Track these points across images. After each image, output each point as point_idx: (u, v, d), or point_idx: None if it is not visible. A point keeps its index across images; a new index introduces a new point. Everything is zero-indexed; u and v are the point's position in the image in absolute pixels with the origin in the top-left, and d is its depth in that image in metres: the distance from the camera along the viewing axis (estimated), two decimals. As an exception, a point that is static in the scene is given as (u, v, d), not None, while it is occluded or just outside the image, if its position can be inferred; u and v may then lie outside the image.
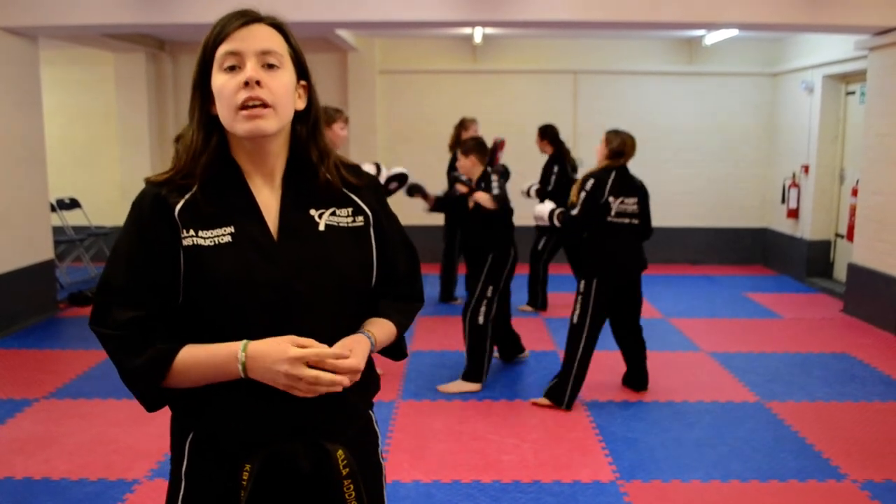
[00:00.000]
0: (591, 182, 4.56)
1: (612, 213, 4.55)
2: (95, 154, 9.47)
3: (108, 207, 9.13)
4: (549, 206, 4.85)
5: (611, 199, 4.54)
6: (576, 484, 3.61)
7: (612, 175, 4.57)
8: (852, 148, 7.84)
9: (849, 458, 3.88)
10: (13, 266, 6.39)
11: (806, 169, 8.40)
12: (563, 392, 4.60)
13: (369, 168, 4.97)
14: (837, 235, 8.24)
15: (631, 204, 4.60)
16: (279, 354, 1.34)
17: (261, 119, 1.40)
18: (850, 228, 7.23)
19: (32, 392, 4.84)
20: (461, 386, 4.88)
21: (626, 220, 4.60)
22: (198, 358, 1.40)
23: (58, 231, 7.75)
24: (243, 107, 1.39)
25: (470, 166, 4.97)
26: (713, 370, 5.35)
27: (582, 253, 4.79)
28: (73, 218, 8.53)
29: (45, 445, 4.03)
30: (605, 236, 4.60)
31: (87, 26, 6.35)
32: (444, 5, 6.08)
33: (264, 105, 1.40)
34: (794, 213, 8.65)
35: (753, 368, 5.36)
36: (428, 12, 6.10)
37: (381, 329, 1.56)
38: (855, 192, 7.17)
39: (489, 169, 4.98)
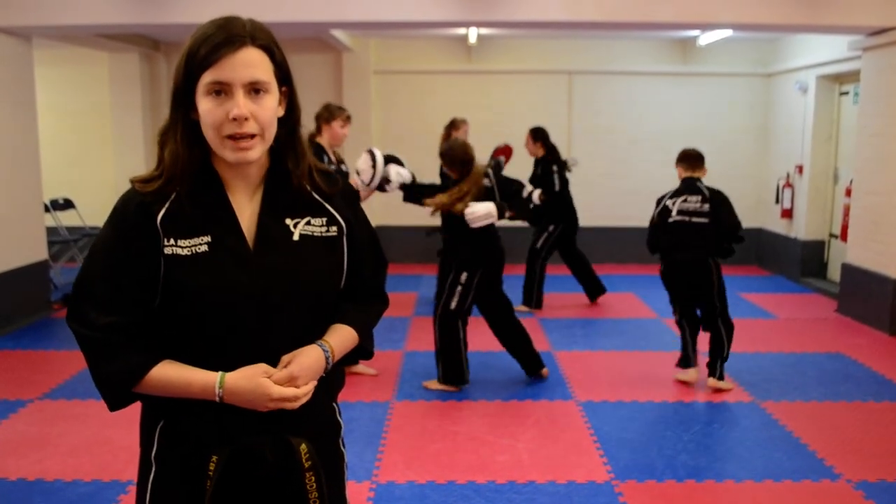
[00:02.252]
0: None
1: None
2: (89, 154, 9.45)
3: (102, 208, 8.97)
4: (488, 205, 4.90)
5: None
6: (571, 484, 3.61)
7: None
8: (846, 148, 7.86)
9: (843, 457, 3.89)
10: (7, 266, 6.37)
11: (800, 169, 8.42)
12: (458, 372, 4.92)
13: (363, 158, 4.88)
14: (831, 235, 8.26)
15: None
16: (259, 395, 1.42)
17: (249, 150, 1.43)
18: (844, 228, 7.24)
19: (26, 393, 4.83)
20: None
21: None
22: (171, 381, 1.44)
23: (51, 231, 7.73)
24: (231, 137, 1.42)
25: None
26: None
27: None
28: (66, 218, 8.50)
29: (38, 446, 4.01)
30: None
31: (82, 26, 6.34)
32: (439, 6, 6.08)
33: (251, 136, 1.43)
34: (788, 214, 8.67)
35: (748, 368, 5.37)
36: (423, 13, 6.10)
37: (340, 337, 1.59)
38: (849, 193, 7.18)
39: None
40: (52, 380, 5.08)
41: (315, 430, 1.57)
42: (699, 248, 4.85)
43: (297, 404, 1.46)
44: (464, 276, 4.76)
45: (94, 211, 9.00)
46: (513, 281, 8.11)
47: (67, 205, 8.55)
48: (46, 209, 7.70)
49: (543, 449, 4.02)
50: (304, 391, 1.46)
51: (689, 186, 4.95)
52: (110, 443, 4.06)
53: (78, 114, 9.42)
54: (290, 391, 1.43)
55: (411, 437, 4.18)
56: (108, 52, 8.74)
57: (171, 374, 1.44)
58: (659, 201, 5.00)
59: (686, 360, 5.02)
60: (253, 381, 1.42)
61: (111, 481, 3.62)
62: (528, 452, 3.98)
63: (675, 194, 4.94)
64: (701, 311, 4.93)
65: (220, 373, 1.42)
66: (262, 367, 1.43)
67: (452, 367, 4.87)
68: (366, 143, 8.98)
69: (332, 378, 1.61)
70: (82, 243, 8.61)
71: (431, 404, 4.67)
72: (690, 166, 5.03)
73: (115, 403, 1.49)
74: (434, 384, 4.92)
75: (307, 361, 1.48)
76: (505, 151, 7.04)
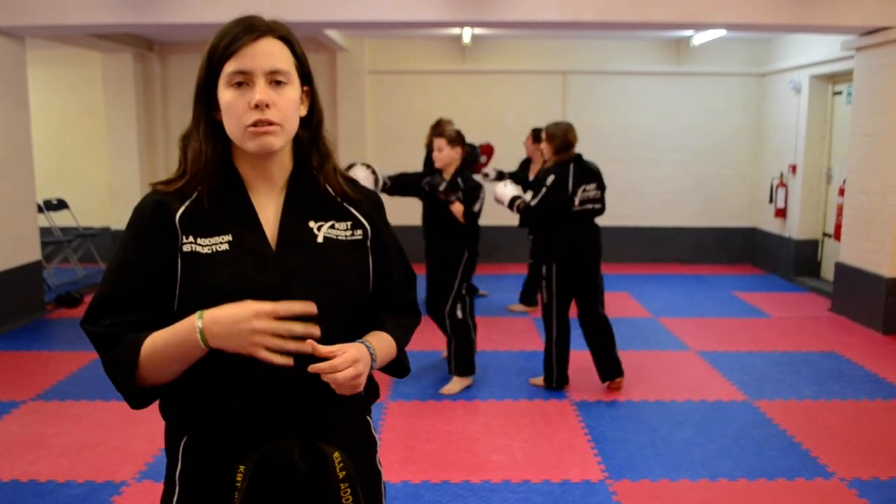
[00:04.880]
0: (551, 178, 4.72)
1: (577, 203, 4.74)
2: (83, 155, 9.43)
3: (96, 208, 9.09)
4: (511, 190, 4.96)
5: (576, 190, 4.74)
6: (565, 483, 3.62)
7: (571, 167, 4.76)
8: (839, 148, 7.89)
9: (836, 456, 3.90)
10: (0, 267, 6.35)
11: (793, 169, 8.44)
12: (549, 373, 4.89)
13: (361, 170, 4.93)
14: (825, 235, 8.28)
15: (592, 189, 4.81)
16: (243, 312, 1.30)
17: (270, 136, 1.41)
18: (838, 228, 7.27)
19: (19, 394, 4.82)
20: (461, 383, 4.92)
21: (590, 206, 4.82)
22: (160, 336, 1.38)
23: (45, 232, 7.71)
24: (253, 126, 1.40)
25: (455, 157, 4.90)
26: (702, 369, 5.37)
27: (542, 239, 4.95)
28: (60, 219, 8.49)
29: (32, 447, 4.00)
30: (567, 225, 4.77)
31: (75, 26, 6.32)
32: (433, 5, 6.08)
33: (272, 123, 1.41)
34: (781, 213, 8.69)
35: (742, 367, 5.38)
36: (417, 12, 6.10)
37: (383, 342, 1.54)
38: (842, 192, 7.21)
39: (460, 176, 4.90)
40: (45, 381, 5.07)
41: (350, 442, 1.51)
42: None
43: (304, 345, 1.32)
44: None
45: (87, 211, 9.00)
46: (509, 280, 8.13)
47: (61, 205, 8.53)
48: (40, 210, 7.67)
49: (538, 448, 4.03)
50: (333, 352, 1.36)
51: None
52: (104, 444, 4.05)
53: (71, 114, 9.40)
54: (281, 305, 1.31)
55: (406, 436, 4.18)
56: (102, 53, 8.72)
57: (158, 334, 1.38)
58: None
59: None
60: (237, 304, 1.31)
61: (105, 482, 3.61)
62: (523, 452, 3.98)
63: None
64: None
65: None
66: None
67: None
68: (360, 143, 9.03)
69: (367, 387, 1.53)
70: (76, 244, 8.60)
71: (426, 404, 4.67)
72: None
73: (131, 394, 1.43)
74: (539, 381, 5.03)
75: (352, 349, 1.40)
76: (486, 150, 7.05)
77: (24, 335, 6.28)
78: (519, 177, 6.93)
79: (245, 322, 1.30)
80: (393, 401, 4.71)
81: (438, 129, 7.04)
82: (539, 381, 4.99)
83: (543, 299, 4.86)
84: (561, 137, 4.81)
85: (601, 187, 4.86)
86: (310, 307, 1.35)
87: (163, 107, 9.22)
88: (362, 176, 4.88)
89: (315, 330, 1.34)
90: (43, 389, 4.91)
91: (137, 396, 1.45)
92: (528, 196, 4.90)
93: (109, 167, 9.01)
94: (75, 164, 9.43)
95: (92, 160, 9.38)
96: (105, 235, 8.94)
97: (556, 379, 4.87)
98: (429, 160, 7.13)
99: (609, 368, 4.89)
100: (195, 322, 1.33)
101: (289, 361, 1.33)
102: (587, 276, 4.87)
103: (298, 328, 1.33)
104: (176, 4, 5.94)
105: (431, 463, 3.85)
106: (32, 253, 6.85)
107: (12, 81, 6.53)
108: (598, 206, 4.84)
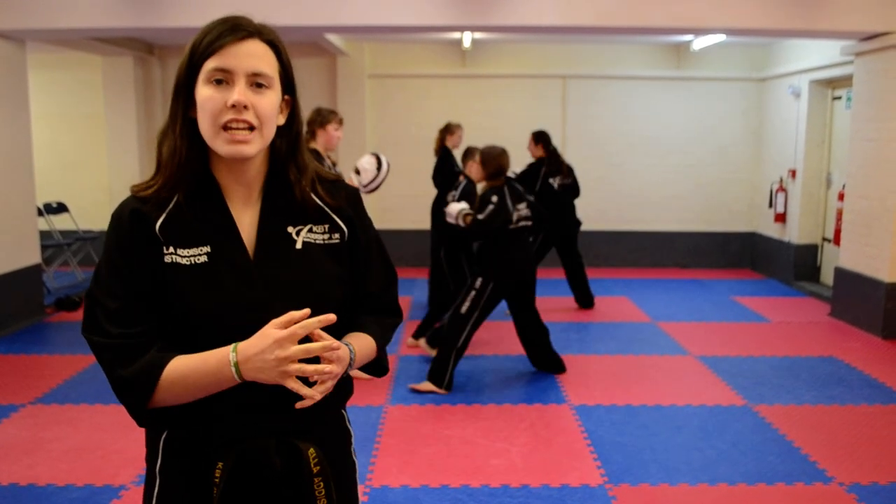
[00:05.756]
0: (496, 196, 4.96)
1: (514, 219, 5.01)
2: (83, 158, 9.44)
3: (96, 211, 9.09)
4: (458, 205, 5.24)
5: (514, 207, 5.03)
6: (564, 488, 3.62)
7: (506, 189, 5.04)
8: (839, 152, 7.89)
9: (836, 461, 3.90)
10: (0, 270, 6.35)
11: (793, 173, 8.45)
12: (443, 375, 4.92)
13: (368, 159, 5.03)
14: (824, 239, 8.28)
15: (523, 209, 5.11)
16: (266, 343, 1.30)
17: (244, 144, 1.38)
18: (837, 232, 7.27)
19: (18, 397, 4.81)
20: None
21: (525, 224, 5.13)
22: (189, 366, 1.36)
23: (45, 235, 7.72)
24: (226, 127, 1.37)
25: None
26: (701, 374, 5.37)
27: (481, 254, 5.17)
28: (60, 222, 8.49)
29: (30, 451, 4.00)
30: (507, 243, 5.03)
31: (76, 30, 6.33)
32: (434, 10, 6.09)
33: (249, 128, 1.38)
34: (781, 218, 8.69)
35: (741, 372, 5.38)
36: (417, 17, 6.11)
37: (362, 343, 1.53)
38: (841, 197, 7.21)
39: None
40: (44, 384, 5.07)
41: (323, 437, 1.52)
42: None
43: (310, 370, 1.32)
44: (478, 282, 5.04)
45: (87, 215, 9.00)
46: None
47: (61, 209, 8.53)
48: (40, 213, 7.68)
49: (537, 453, 4.03)
50: (328, 368, 1.34)
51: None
52: (103, 447, 4.05)
53: (71, 117, 9.41)
54: (298, 327, 1.31)
55: (405, 441, 4.18)
56: (102, 56, 8.73)
57: (186, 360, 1.36)
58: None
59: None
60: (260, 334, 1.31)
61: (104, 486, 3.61)
62: (522, 456, 3.98)
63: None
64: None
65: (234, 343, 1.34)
66: (270, 323, 1.33)
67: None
68: (360, 147, 9.02)
69: (341, 384, 1.53)
70: (76, 247, 8.60)
71: (425, 408, 4.67)
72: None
73: (139, 413, 1.42)
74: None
75: (340, 353, 1.40)
76: None
77: (23, 338, 6.27)
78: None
79: (269, 352, 1.30)
80: (392, 405, 4.71)
81: (447, 132, 7.04)
82: (427, 385, 4.92)
83: (462, 308, 4.95)
84: (495, 164, 5.05)
85: (530, 206, 5.19)
86: (328, 318, 1.34)
87: (163, 110, 9.12)
88: (361, 161, 5.08)
89: (334, 345, 1.36)
90: (42, 393, 4.91)
91: (148, 415, 1.44)
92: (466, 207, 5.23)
93: (110, 171, 9.02)
94: (75, 167, 9.43)
95: (92, 164, 9.38)
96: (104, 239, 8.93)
97: (448, 383, 4.91)
98: (440, 167, 7.11)
99: (550, 363, 5.32)
100: (229, 356, 1.33)
101: (315, 395, 1.34)
102: (528, 289, 5.18)
103: (316, 347, 1.33)
104: (176, 8, 5.95)
105: (431, 467, 3.84)
106: (32, 256, 6.85)
107: (13, 85, 6.54)
108: (530, 222, 5.16)
